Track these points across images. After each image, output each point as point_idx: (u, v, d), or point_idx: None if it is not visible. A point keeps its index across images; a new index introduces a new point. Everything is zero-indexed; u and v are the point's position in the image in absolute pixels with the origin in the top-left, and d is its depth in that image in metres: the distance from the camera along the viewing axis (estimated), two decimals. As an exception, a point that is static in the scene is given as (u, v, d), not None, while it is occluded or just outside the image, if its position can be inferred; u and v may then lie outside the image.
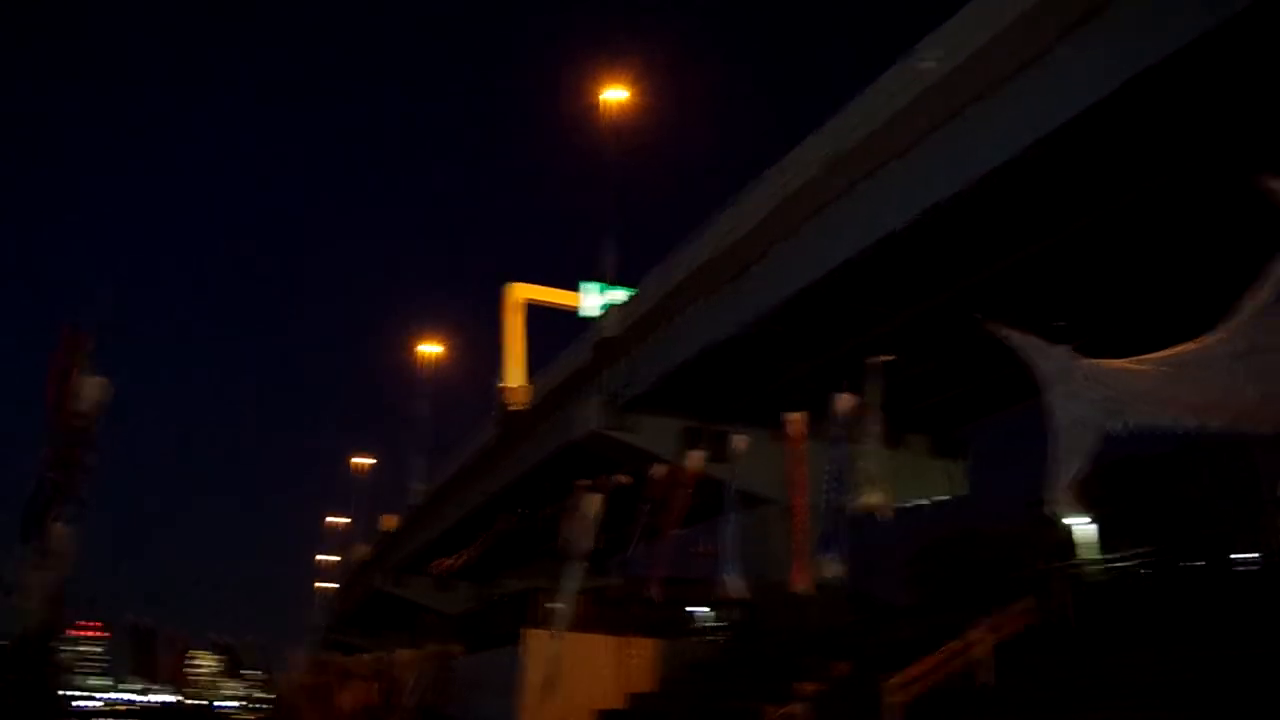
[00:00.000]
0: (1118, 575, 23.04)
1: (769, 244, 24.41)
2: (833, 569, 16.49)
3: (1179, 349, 10.25)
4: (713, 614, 33.04)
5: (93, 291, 15.04)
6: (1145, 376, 10.29)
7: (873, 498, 16.13)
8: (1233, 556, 23.28)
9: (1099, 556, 25.41)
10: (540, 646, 27.77)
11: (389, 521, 70.88)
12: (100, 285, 15.26)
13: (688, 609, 33.65)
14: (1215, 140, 17.21)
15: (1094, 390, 10.42)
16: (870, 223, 21.30)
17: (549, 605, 29.54)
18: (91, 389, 13.80)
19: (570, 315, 43.70)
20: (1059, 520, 11.34)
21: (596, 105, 38.83)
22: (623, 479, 24.60)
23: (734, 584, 20.71)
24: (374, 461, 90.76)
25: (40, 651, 12.01)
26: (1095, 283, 23.10)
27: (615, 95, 38.62)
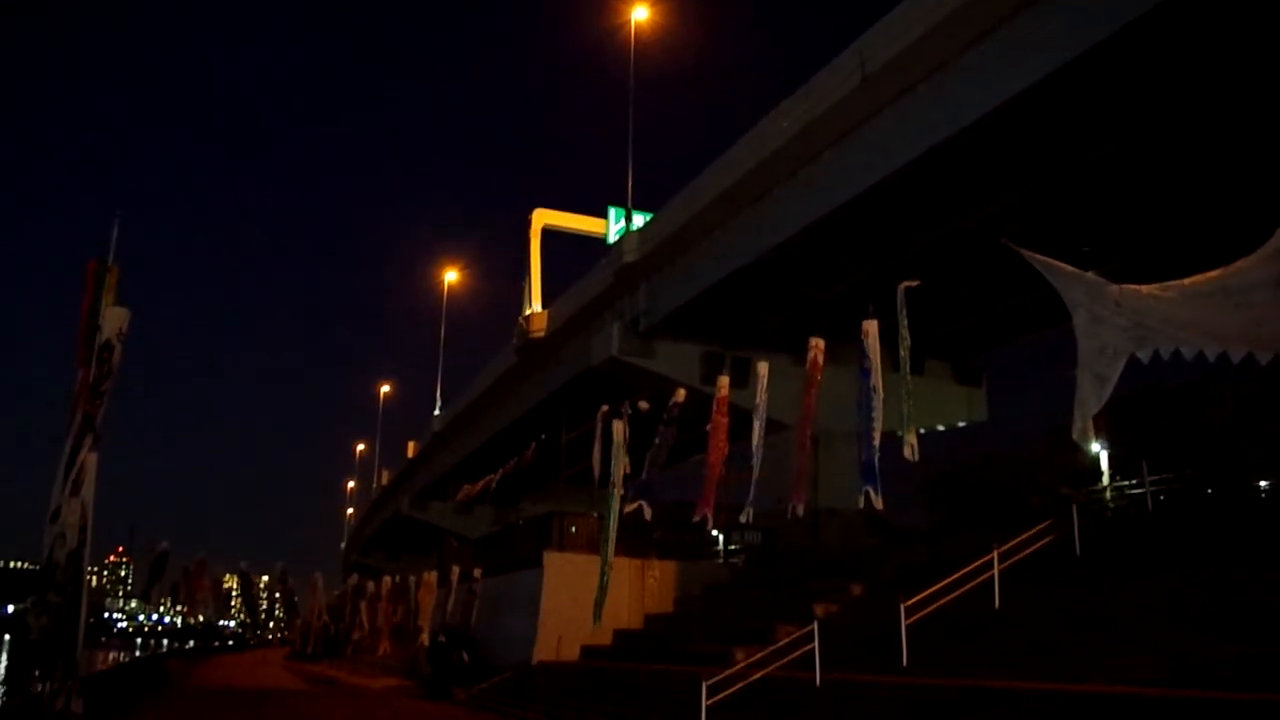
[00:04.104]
0: (1137, 501, 23.12)
1: (793, 169, 24.13)
2: (874, 499, 16.57)
3: (1209, 275, 10.09)
4: (732, 537, 33.38)
5: (111, 222, 14.99)
6: (1174, 303, 10.15)
7: (904, 436, 16.17)
8: (1256, 483, 23.31)
9: (1119, 482, 25.49)
10: (560, 568, 28.29)
11: (412, 448, 71.73)
12: (117, 215, 15.15)
13: (712, 532, 33.96)
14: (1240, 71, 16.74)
15: (1121, 316, 10.28)
16: (896, 148, 20.97)
17: (569, 528, 30.00)
18: (114, 319, 13.86)
19: (602, 243, 43.24)
20: (1085, 447, 11.26)
21: (623, 24, 38.23)
22: (643, 404, 24.68)
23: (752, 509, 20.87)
24: (400, 388, 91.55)
25: (76, 575, 12.34)
26: (1123, 208, 22.77)
27: (640, 14, 37.98)
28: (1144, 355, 10.23)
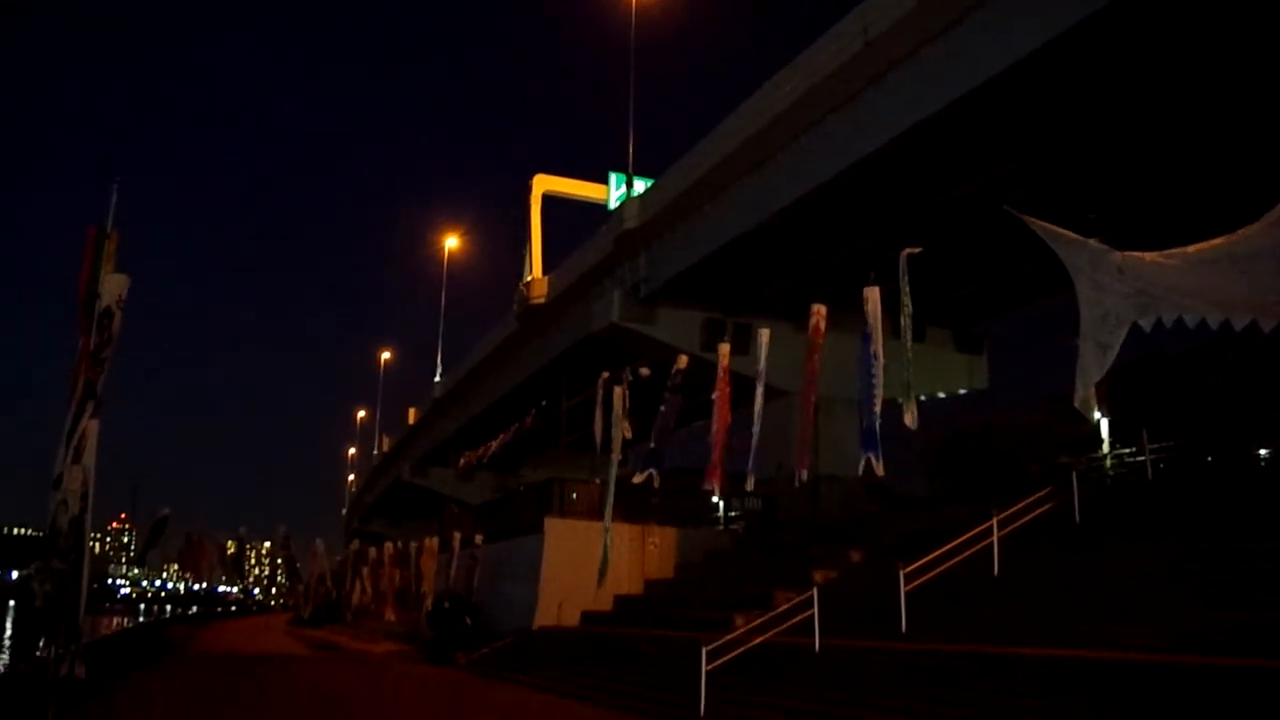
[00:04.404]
0: (1137, 469, 23.16)
1: (795, 135, 23.95)
2: (875, 466, 16.57)
3: (1213, 242, 10.04)
4: (732, 504, 33.49)
5: (109, 189, 14.88)
6: (1177, 270, 10.10)
7: (905, 404, 16.15)
8: (1257, 451, 23.31)
9: (1120, 450, 25.51)
10: (561, 534, 28.41)
11: (413, 414, 71.89)
12: (116, 181, 15.07)
13: (712, 499, 34.12)
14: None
15: (1124, 284, 10.23)
16: (899, 112, 20.78)
17: (569, 494, 30.11)
18: (114, 285, 13.78)
19: (603, 210, 42.95)
20: (1087, 416, 11.20)
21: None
22: (644, 371, 24.67)
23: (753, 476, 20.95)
24: (400, 355, 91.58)
25: (79, 541, 12.36)
26: (1127, 175, 22.61)
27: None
28: (1146, 323, 10.19)
